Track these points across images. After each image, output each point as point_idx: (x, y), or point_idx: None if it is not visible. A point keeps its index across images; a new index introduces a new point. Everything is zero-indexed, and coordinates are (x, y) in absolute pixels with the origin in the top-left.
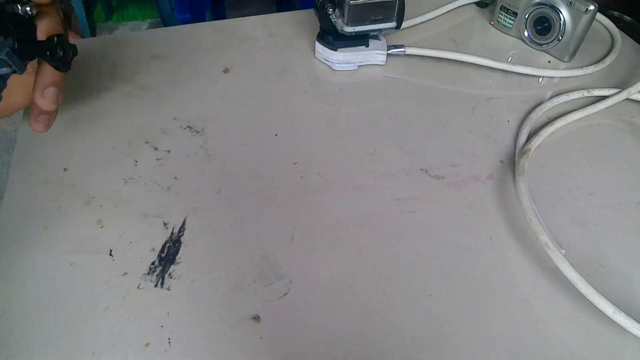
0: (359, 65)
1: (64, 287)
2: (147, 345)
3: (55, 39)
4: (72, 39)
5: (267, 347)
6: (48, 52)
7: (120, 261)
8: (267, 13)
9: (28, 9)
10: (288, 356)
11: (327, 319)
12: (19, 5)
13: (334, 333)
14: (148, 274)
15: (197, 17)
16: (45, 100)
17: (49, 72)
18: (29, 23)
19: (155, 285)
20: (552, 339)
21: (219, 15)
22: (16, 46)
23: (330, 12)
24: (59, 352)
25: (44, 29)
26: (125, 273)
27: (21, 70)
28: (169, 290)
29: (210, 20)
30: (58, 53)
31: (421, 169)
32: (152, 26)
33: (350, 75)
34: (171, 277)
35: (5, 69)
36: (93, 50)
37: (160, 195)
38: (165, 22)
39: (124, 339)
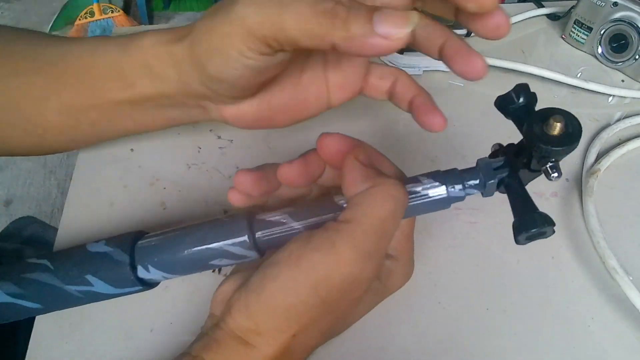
0: (424, 71)
1: None
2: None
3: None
4: (131, 26)
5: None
6: (526, 223)
7: None
8: None
9: (555, 175)
10: (339, 357)
11: (380, 322)
12: (549, 163)
13: (386, 336)
14: None
15: None
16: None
17: None
18: (535, 175)
19: (213, 271)
20: None
21: None
22: (506, 181)
23: None
24: (119, 326)
25: None
26: None
27: (487, 195)
28: (226, 277)
29: None
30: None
31: None
32: None
33: (415, 79)
34: None
35: (474, 191)
36: None
37: (221, 183)
38: None
39: (181, 320)
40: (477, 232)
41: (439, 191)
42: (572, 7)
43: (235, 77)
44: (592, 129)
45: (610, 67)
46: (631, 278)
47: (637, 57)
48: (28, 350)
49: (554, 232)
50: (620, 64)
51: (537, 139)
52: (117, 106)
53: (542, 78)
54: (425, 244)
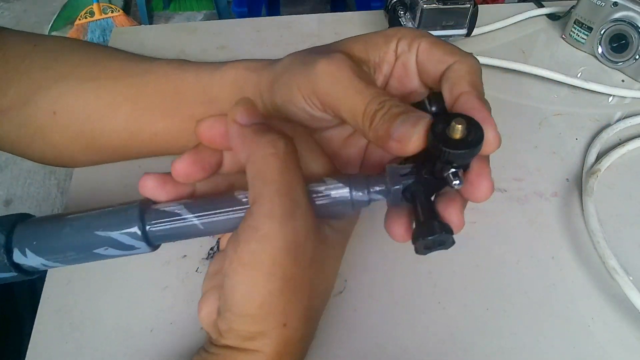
0: None
1: (126, 263)
2: (202, 328)
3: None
4: (131, 25)
5: (319, 343)
6: (424, 230)
7: (180, 244)
8: (321, 11)
9: (457, 182)
10: (339, 355)
11: (380, 321)
12: (451, 169)
13: (386, 335)
14: (207, 258)
15: (254, 11)
16: None
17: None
18: (440, 184)
19: None
20: None
21: (274, 10)
22: (412, 188)
23: (401, 15)
24: (119, 326)
25: (451, 212)
26: (185, 256)
27: (393, 202)
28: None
29: (265, 15)
30: (430, 238)
31: None
32: (207, 17)
33: None
34: None
35: (379, 197)
36: (162, 37)
37: None
38: (221, 14)
39: (182, 320)
40: (477, 232)
41: (341, 192)
42: (572, 7)
43: (293, 113)
44: (592, 129)
45: (610, 67)
46: (631, 278)
47: (637, 57)
48: (28, 350)
49: (453, 242)
50: (620, 64)
51: (439, 141)
52: (188, 121)
53: (542, 78)
54: None
